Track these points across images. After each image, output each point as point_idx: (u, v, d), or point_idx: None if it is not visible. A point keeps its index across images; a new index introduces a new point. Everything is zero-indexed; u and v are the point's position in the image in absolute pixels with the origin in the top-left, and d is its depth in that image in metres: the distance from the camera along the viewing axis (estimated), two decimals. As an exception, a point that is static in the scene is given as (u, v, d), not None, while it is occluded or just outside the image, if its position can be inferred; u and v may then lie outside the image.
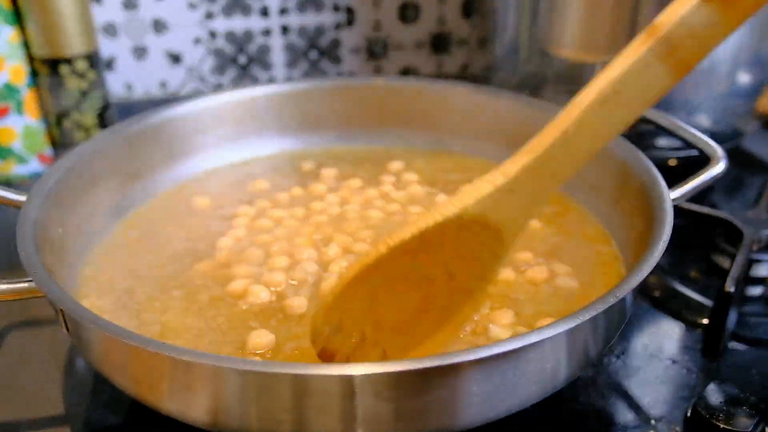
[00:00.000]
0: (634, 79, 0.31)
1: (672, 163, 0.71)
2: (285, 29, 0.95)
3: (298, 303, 0.46)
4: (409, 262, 0.34)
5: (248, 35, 0.94)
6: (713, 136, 0.55)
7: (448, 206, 0.33)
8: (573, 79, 0.71)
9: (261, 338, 0.42)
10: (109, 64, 0.92)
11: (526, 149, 0.33)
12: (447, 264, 0.34)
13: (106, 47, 0.91)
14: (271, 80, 0.97)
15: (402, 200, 0.58)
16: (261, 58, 0.96)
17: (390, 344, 0.36)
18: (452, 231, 0.33)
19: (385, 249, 0.33)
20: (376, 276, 0.34)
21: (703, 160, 0.52)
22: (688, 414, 0.43)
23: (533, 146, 0.33)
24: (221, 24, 0.93)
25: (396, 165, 0.64)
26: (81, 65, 0.78)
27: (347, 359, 0.36)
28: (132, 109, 0.79)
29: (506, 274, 0.48)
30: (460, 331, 0.36)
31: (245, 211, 0.57)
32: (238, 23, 0.93)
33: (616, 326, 0.42)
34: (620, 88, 0.31)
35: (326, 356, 0.37)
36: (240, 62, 0.96)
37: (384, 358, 0.36)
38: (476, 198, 0.32)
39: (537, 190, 0.33)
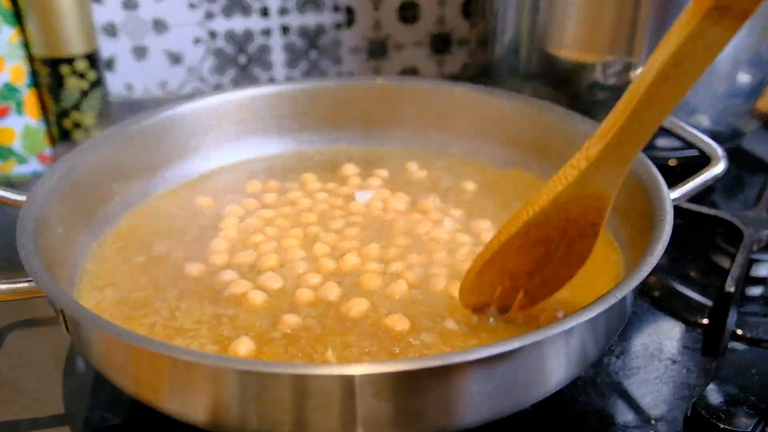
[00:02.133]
0: (692, 48, 0.31)
1: (672, 163, 0.71)
2: (285, 29, 0.95)
3: (304, 296, 0.46)
4: (521, 240, 0.40)
5: (248, 35, 0.94)
6: (713, 136, 0.55)
7: (542, 197, 0.39)
8: (573, 79, 0.71)
9: (245, 345, 0.42)
10: (109, 64, 0.92)
11: (600, 132, 0.36)
12: (557, 227, 0.40)
13: (106, 47, 0.91)
14: (271, 80, 0.98)
15: (400, 199, 0.58)
16: (261, 58, 0.96)
17: (528, 285, 0.43)
18: (552, 212, 0.39)
19: (498, 244, 0.40)
20: (498, 259, 0.41)
21: (703, 160, 0.52)
22: (688, 414, 0.43)
23: (605, 129, 0.36)
24: (221, 24, 0.93)
25: (395, 165, 0.64)
26: (81, 65, 0.78)
27: (499, 306, 0.44)
28: (132, 109, 0.79)
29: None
30: (584, 263, 0.42)
31: (244, 211, 0.57)
32: (238, 23, 0.93)
33: (616, 326, 0.42)
34: (681, 59, 0.32)
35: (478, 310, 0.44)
36: (240, 62, 0.96)
37: (527, 296, 0.43)
38: (565, 185, 0.38)
39: (619, 160, 0.37)
